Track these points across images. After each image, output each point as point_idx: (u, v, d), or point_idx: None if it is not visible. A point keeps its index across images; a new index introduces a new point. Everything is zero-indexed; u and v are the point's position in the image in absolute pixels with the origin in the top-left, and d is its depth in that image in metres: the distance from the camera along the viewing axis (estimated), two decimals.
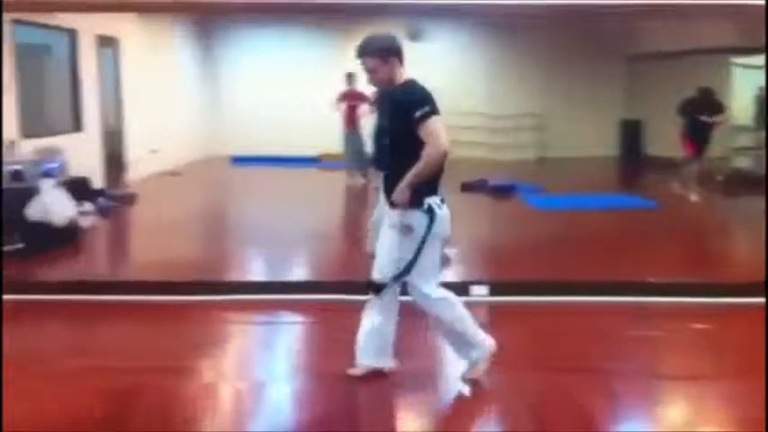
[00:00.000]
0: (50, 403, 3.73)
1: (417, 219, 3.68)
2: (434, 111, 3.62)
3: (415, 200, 3.64)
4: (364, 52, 3.71)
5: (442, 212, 3.72)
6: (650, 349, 4.62)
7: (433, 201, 3.68)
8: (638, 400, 3.88)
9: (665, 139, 12.78)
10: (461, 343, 3.93)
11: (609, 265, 6.64)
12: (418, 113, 3.57)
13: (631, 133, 16.38)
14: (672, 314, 5.22)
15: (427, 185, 3.67)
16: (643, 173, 15.02)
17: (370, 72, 3.73)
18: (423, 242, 3.68)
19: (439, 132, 3.59)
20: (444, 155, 3.62)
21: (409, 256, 3.70)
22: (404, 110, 3.63)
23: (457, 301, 3.91)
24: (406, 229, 3.69)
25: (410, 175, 3.60)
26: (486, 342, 3.93)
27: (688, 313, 5.23)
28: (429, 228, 3.66)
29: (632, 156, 16.11)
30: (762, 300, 5.25)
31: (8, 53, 8.00)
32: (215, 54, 16.03)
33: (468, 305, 5.47)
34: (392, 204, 3.72)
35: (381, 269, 3.81)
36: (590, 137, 16.22)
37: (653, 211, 9.71)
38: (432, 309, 3.86)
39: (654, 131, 15.53)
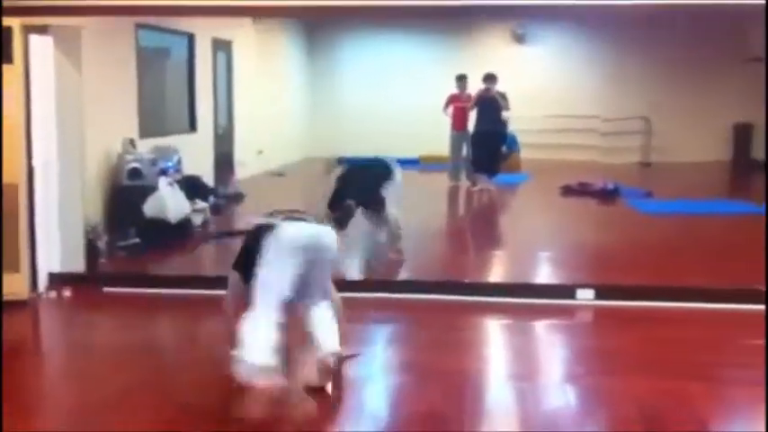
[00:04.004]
0: (168, 390, 3.92)
1: None
2: None
3: None
4: None
5: None
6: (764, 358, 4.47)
7: None
8: (755, 409, 3.76)
9: None
10: None
11: (717, 272, 6.44)
12: None
13: (743, 138, 15.77)
14: None
15: None
16: (753, 178, 14.41)
17: None
18: None
19: None
20: None
21: None
22: None
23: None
24: None
25: None
26: None
27: None
28: None
29: (743, 161, 15.50)
30: None
31: (131, 56, 8.38)
32: (321, 57, 16.30)
33: (574, 308, 5.48)
34: None
35: None
36: (700, 141, 15.67)
37: (762, 217, 9.33)
38: None
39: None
